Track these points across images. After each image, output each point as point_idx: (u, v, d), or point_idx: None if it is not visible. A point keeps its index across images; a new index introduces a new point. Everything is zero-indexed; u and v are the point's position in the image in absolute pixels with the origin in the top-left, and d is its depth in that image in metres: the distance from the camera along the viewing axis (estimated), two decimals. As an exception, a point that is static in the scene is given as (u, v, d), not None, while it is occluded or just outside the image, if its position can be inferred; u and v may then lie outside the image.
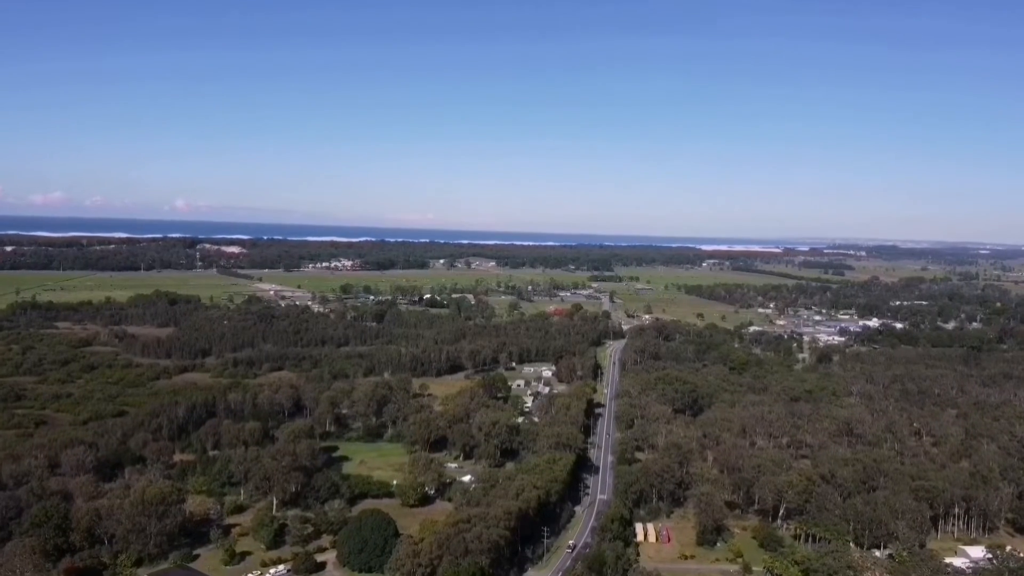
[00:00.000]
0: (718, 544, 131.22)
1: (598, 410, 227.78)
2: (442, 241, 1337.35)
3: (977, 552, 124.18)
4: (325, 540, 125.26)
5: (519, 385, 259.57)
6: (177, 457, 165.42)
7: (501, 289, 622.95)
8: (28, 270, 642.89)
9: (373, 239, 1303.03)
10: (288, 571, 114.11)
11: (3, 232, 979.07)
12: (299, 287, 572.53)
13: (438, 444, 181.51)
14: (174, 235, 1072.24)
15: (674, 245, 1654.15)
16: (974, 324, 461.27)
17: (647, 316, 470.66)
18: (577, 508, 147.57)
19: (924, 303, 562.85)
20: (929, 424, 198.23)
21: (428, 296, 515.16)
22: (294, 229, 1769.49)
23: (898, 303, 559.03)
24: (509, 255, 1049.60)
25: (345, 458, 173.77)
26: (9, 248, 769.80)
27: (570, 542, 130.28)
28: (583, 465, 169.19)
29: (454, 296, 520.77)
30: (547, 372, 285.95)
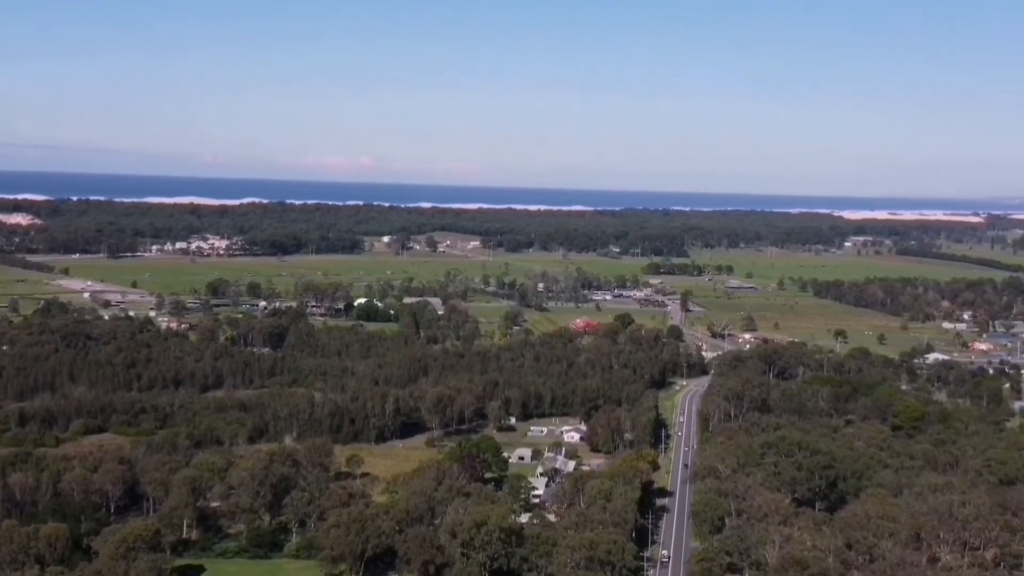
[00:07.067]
0: None
1: (661, 500, 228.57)
2: (387, 204, 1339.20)
3: None
4: None
5: (522, 458, 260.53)
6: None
7: (491, 288, 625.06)
8: None
9: (265, 200, 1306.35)
10: None
11: None
12: (134, 285, 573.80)
13: (380, 562, 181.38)
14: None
15: (794, 211, 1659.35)
16: None
17: (747, 335, 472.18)
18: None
19: None
20: None
21: (362, 301, 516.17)
22: (125, 183, 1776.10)
23: None
24: (504, 228, 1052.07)
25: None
26: None
27: None
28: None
29: (408, 301, 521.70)
30: (572, 434, 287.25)
